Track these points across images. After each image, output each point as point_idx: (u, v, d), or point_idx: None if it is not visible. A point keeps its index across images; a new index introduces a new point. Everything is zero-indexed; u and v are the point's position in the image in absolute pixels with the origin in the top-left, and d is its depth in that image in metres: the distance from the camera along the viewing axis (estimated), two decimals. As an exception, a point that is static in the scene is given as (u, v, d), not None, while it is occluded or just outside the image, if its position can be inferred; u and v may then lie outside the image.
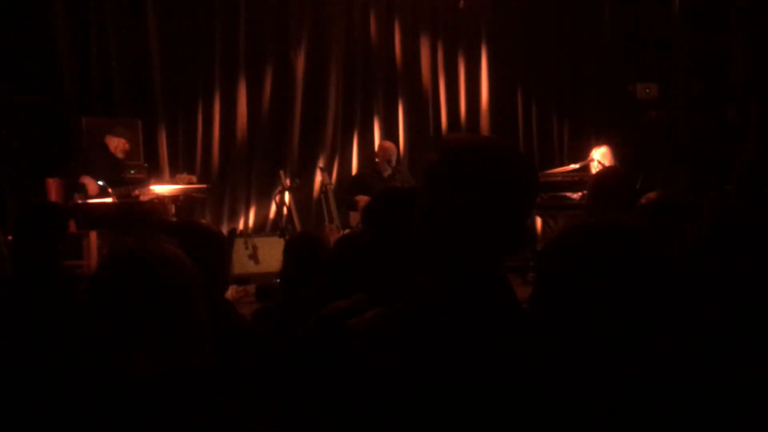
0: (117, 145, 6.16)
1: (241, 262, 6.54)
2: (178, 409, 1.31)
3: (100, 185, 5.85)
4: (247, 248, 6.55)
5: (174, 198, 6.40)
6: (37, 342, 2.13)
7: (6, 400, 1.48)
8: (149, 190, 6.07)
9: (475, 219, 1.14)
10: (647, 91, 7.38)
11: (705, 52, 7.38)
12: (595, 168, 6.17)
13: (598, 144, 6.64)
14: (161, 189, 6.30)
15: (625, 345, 1.12)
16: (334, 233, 6.33)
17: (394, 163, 6.52)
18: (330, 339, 1.53)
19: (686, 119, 7.44)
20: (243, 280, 6.29)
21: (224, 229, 7.17)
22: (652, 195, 2.27)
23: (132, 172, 6.30)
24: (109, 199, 5.75)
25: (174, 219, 5.79)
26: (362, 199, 6.32)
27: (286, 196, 6.84)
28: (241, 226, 7.46)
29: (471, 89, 8.21)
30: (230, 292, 5.69)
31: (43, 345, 2.00)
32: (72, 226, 5.35)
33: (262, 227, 7.49)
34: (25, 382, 1.46)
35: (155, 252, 1.45)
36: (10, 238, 4.42)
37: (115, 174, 6.06)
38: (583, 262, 1.17)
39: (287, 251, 2.68)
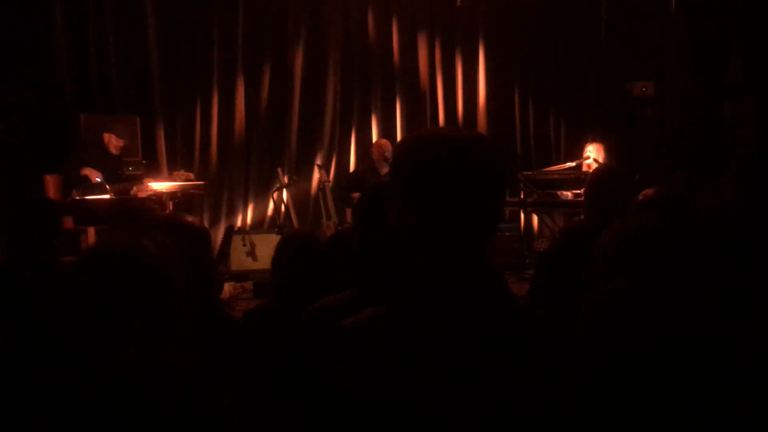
0: (110, 141, 6.19)
1: (239, 258, 6.55)
2: (163, 406, 1.31)
3: (98, 181, 5.87)
4: (245, 245, 6.55)
5: (172, 195, 6.41)
6: (30, 338, 2.12)
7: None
8: (146, 186, 6.09)
9: (437, 210, 1.14)
10: (643, 89, 7.39)
11: (701, 49, 7.39)
12: (589, 165, 6.18)
13: (593, 141, 6.66)
14: (159, 186, 6.31)
15: (624, 345, 1.11)
16: (331, 230, 6.34)
17: (390, 160, 6.52)
18: (321, 335, 1.53)
19: (682, 117, 7.45)
20: (241, 276, 6.30)
21: (222, 226, 7.18)
22: (648, 192, 2.28)
23: (130, 168, 6.33)
24: (106, 196, 5.77)
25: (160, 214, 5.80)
26: (358, 197, 6.32)
27: (284, 193, 6.85)
28: (239, 223, 7.47)
29: (468, 87, 8.23)
30: (228, 289, 5.71)
31: (36, 341, 2.00)
32: (69, 223, 5.40)
33: (260, 224, 7.50)
34: (17, 380, 1.45)
35: (132, 248, 1.45)
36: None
37: (113, 170, 6.08)
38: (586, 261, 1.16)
39: (279, 249, 2.66)
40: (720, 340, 1.10)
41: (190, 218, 2.14)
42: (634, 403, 1.06)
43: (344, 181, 7.06)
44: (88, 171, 5.88)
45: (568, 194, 6.31)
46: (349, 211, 6.57)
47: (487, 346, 1.11)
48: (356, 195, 6.35)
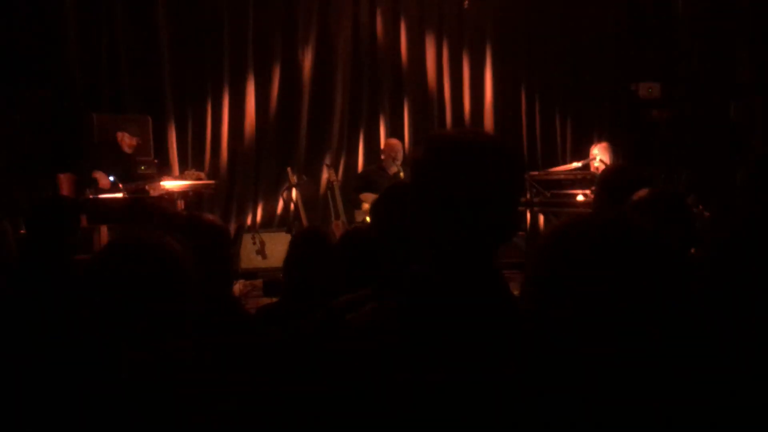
0: (123, 140, 6.27)
1: (248, 257, 6.62)
2: (169, 397, 1.32)
3: (111, 180, 5.95)
4: (254, 243, 6.62)
5: (183, 194, 6.48)
6: (45, 334, 2.14)
7: (10, 397, 1.52)
8: (159, 185, 6.17)
9: (460, 210, 1.16)
10: (650, 90, 7.40)
11: (708, 50, 7.40)
12: (595, 165, 6.20)
13: (599, 142, 6.68)
14: (170, 185, 6.39)
15: (618, 341, 1.12)
16: (340, 229, 6.39)
17: (399, 160, 6.57)
18: (333, 333, 1.57)
19: (689, 118, 7.46)
20: (250, 274, 6.37)
21: (232, 225, 7.25)
22: (643, 192, 2.29)
23: (142, 168, 6.40)
24: (119, 194, 5.85)
25: (181, 212, 5.87)
26: (366, 197, 6.39)
27: (293, 192, 6.91)
28: (248, 221, 7.54)
29: (475, 88, 8.27)
30: (238, 287, 5.78)
31: (50, 337, 2.02)
32: (83, 221, 5.47)
33: (269, 223, 7.57)
34: (32, 378, 1.49)
35: (145, 242, 1.47)
36: (22, 232, 4.51)
37: (126, 169, 6.16)
38: (574, 257, 1.16)
39: (292, 246, 2.67)
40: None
41: (210, 216, 2.19)
42: (630, 402, 1.08)
43: (353, 181, 7.12)
44: (98, 174, 5.94)
45: (577, 194, 6.33)
46: (357, 212, 6.62)
47: (485, 346, 1.13)
48: (364, 196, 6.42)
